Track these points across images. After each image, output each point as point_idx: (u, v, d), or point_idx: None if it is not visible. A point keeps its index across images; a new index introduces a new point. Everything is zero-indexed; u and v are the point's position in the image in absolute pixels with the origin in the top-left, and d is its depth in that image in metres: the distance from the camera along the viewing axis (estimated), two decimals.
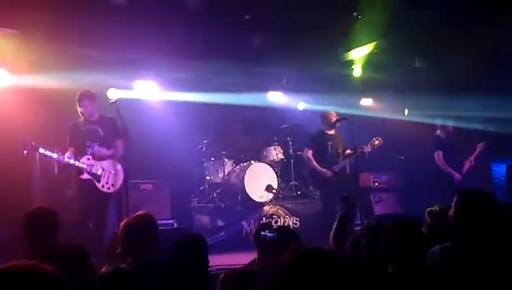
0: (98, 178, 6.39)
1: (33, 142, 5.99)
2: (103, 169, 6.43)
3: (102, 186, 6.42)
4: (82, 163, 6.31)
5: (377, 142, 7.89)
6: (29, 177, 7.05)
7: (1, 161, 6.55)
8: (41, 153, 6.07)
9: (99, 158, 6.42)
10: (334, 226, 4.17)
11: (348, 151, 7.84)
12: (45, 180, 7.09)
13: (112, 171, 6.49)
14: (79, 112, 6.46)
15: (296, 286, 2.02)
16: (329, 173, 7.78)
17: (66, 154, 6.29)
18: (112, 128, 6.49)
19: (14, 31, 6.90)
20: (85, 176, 6.34)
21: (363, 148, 7.77)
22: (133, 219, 3.76)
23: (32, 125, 6.88)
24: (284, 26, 8.01)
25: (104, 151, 6.46)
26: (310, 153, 7.93)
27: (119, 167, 6.55)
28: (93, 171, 6.35)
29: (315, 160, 7.88)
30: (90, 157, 6.38)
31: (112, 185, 6.46)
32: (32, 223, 3.86)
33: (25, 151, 5.95)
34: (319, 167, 7.80)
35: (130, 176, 6.72)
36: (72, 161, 6.26)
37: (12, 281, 1.61)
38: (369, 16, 7.90)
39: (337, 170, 7.79)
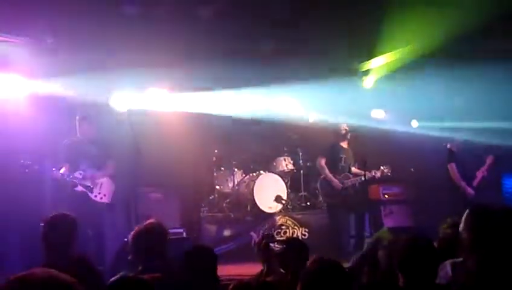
0: (90, 189, 6.83)
1: (30, 162, 6.42)
2: (94, 181, 6.86)
3: (95, 196, 6.86)
4: (74, 178, 6.73)
5: (386, 170, 8.02)
6: (41, 182, 7.17)
7: (15, 166, 6.61)
8: (37, 169, 6.50)
9: (90, 173, 6.86)
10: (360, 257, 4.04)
11: (357, 169, 7.91)
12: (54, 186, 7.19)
13: (103, 183, 6.95)
14: (77, 131, 6.96)
15: None
16: (339, 185, 7.81)
17: (61, 171, 6.69)
18: (105, 150, 7.05)
19: (27, 39, 6.97)
20: (79, 188, 6.76)
21: (374, 173, 7.99)
22: (143, 227, 3.78)
23: (45, 130, 7.02)
24: (295, 37, 8.02)
25: (95, 173, 6.89)
26: (323, 161, 7.98)
27: (110, 181, 7.04)
28: (85, 183, 6.80)
29: (328, 170, 7.94)
30: (82, 172, 6.80)
31: (105, 195, 6.94)
32: (52, 229, 3.85)
33: (26, 170, 6.42)
34: (332, 177, 7.84)
35: (140, 185, 6.83)
36: (65, 176, 6.68)
37: (32, 288, 1.61)
38: (384, 28, 7.89)
39: (347, 185, 7.84)
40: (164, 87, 8.63)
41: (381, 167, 8.08)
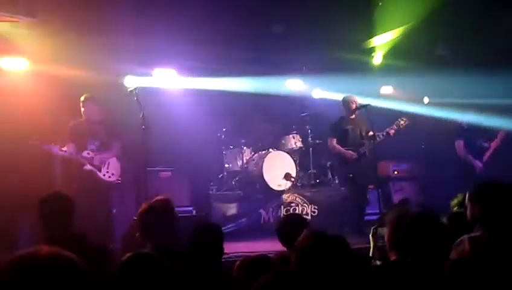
0: (99, 168, 6.87)
1: (37, 142, 6.43)
2: (102, 160, 6.91)
3: (104, 175, 6.91)
4: (82, 157, 6.77)
5: (402, 122, 7.84)
6: (49, 162, 7.22)
7: (23, 147, 6.65)
8: (45, 149, 6.54)
9: (98, 153, 6.91)
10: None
11: (371, 133, 7.80)
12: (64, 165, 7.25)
13: (110, 162, 7.00)
14: (82, 112, 6.96)
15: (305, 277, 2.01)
16: (354, 154, 7.78)
17: (67, 150, 6.71)
18: (111, 130, 7.11)
19: (33, 20, 6.95)
20: (87, 167, 6.79)
21: (387, 130, 7.78)
22: (150, 204, 3.78)
23: (52, 112, 7.04)
24: (304, 13, 7.94)
25: (103, 153, 6.96)
26: (334, 141, 7.96)
27: (116, 160, 7.09)
28: (94, 162, 6.83)
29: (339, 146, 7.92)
30: (90, 152, 6.84)
31: (113, 173, 6.99)
32: (48, 208, 3.87)
33: (35, 151, 6.46)
34: (343, 150, 7.81)
35: (149, 164, 6.84)
36: (73, 155, 6.73)
37: (34, 266, 1.63)
38: (391, 2, 7.78)
39: (364, 151, 7.78)
40: (172, 67, 8.60)
41: (398, 119, 7.88)
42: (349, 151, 7.81)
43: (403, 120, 7.87)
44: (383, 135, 7.72)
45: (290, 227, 3.37)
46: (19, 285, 1.58)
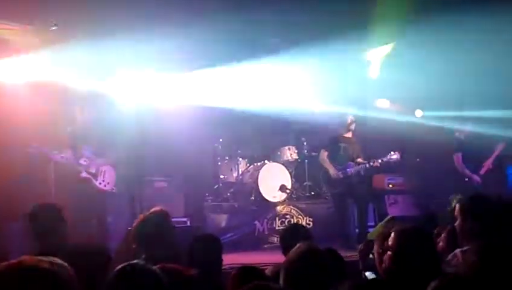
0: (95, 176, 6.87)
1: (36, 145, 6.50)
2: (98, 168, 6.91)
3: (100, 183, 6.91)
4: (79, 165, 6.78)
5: (394, 156, 7.86)
6: (43, 170, 7.20)
7: (21, 153, 6.65)
8: (44, 152, 6.62)
9: (94, 160, 6.90)
10: None
11: (360, 160, 7.86)
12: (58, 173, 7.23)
13: (106, 171, 7.00)
14: (79, 119, 7.03)
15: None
16: (336, 173, 7.78)
17: (65, 156, 6.75)
18: (107, 138, 7.03)
19: (32, 27, 6.97)
20: (84, 174, 6.79)
21: (374, 161, 7.83)
22: (147, 216, 3.77)
23: (47, 117, 7.03)
24: (301, 25, 7.98)
25: (99, 161, 6.94)
26: (325, 154, 7.99)
27: (111, 169, 7.08)
28: (90, 170, 6.83)
29: (329, 161, 7.94)
30: (86, 159, 6.85)
31: (108, 182, 6.98)
32: (37, 219, 3.82)
33: (33, 157, 6.57)
34: (331, 168, 7.82)
35: (145, 174, 6.85)
36: (71, 162, 6.76)
37: (18, 275, 1.63)
38: (387, 16, 7.83)
39: (350, 173, 7.78)
40: (166, 70, 8.57)
41: (391, 152, 7.95)
42: (334, 170, 7.82)
43: (395, 155, 7.89)
44: (369, 164, 7.73)
45: (293, 240, 3.36)
46: None
